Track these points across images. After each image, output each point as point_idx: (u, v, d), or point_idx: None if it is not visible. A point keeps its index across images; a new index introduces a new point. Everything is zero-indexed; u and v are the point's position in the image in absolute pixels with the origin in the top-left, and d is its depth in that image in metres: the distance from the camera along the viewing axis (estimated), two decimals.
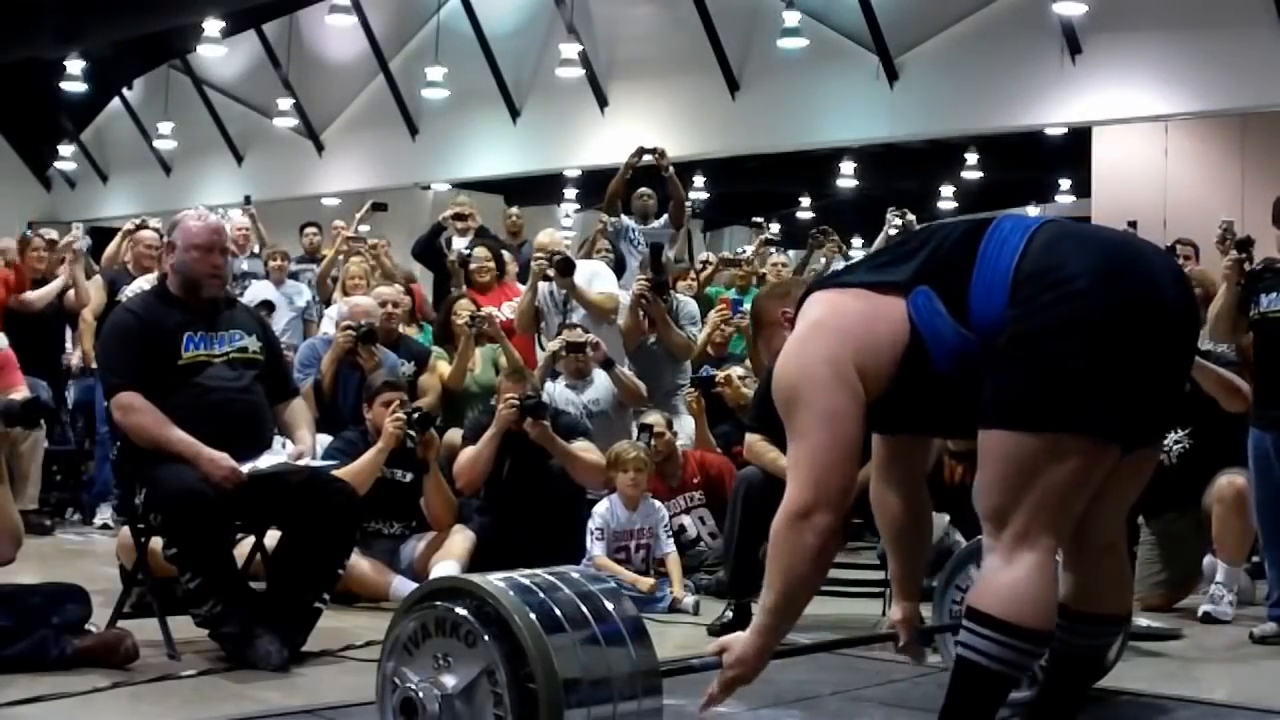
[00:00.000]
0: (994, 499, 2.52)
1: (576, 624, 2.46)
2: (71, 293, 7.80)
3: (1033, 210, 20.18)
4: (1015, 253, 2.53)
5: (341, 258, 8.50)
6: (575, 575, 2.63)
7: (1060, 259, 2.50)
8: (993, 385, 2.51)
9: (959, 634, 2.58)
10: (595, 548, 5.38)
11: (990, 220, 2.68)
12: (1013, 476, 2.49)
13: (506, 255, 7.95)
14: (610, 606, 2.54)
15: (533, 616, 2.40)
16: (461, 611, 2.44)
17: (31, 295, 7.72)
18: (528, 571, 2.61)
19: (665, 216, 8.20)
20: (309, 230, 10.09)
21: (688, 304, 7.20)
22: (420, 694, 2.43)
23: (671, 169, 7.89)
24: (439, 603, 2.50)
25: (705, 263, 9.27)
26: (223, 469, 3.92)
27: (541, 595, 2.48)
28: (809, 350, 2.65)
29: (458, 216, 8.33)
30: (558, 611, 2.45)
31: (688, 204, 8.46)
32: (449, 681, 2.43)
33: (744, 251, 9.22)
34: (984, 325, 2.53)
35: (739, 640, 2.71)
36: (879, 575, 5.11)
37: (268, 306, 7.50)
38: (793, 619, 2.68)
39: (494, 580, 2.51)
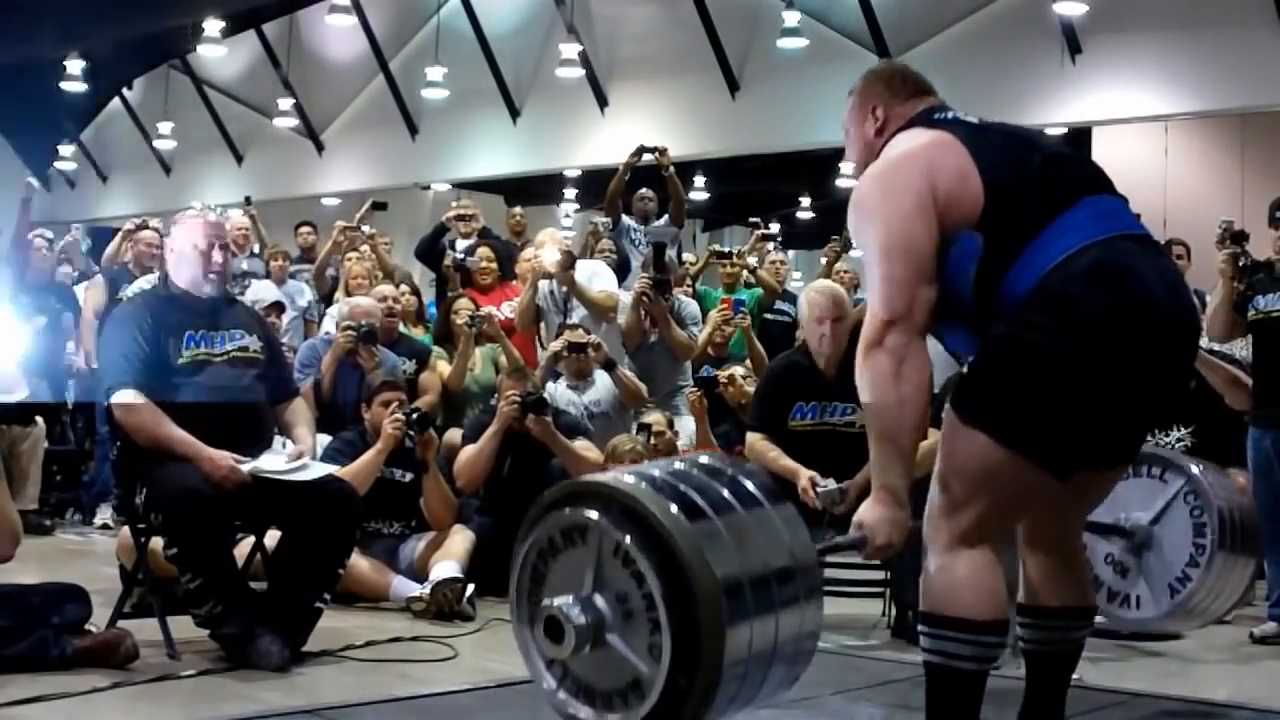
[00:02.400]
0: (951, 492, 2.54)
1: (720, 509, 2.25)
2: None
3: None
4: (1061, 254, 2.49)
5: (338, 254, 8.52)
6: (705, 460, 2.45)
7: (1082, 290, 2.46)
8: (977, 379, 2.54)
9: (920, 642, 2.57)
10: None
11: (1079, 190, 2.60)
12: (975, 475, 2.51)
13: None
14: (752, 487, 2.33)
15: (674, 508, 2.19)
16: (593, 515, 2.25)
17: None
18: (652, 464, 2.45)
19: (666, 216, 8.20)
20: (303, 230, 10.06)
21: (689, 305, 7.21)
22: (563, 610, 2.24)
23: (672, 168, 7.89)
24: (570, 509, 2.31)
25: (692, 263, 9.25)
26: (221, 468, 3.92)
27: (683, 488, 2.26)
28: (894, 175, 2.60)
29: (461, 218, 8.34)
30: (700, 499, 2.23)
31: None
32: (600, 600, 2.24)
33: (735, 247, 9.18)
34: (1005, 301, 2.51)
35: (868, 512, 2.57)
36: (879, 575, 5.11)
37: (278, 308, 7.51)
38: (905, 461, 2.52)
39: (626, 478, 2.32)
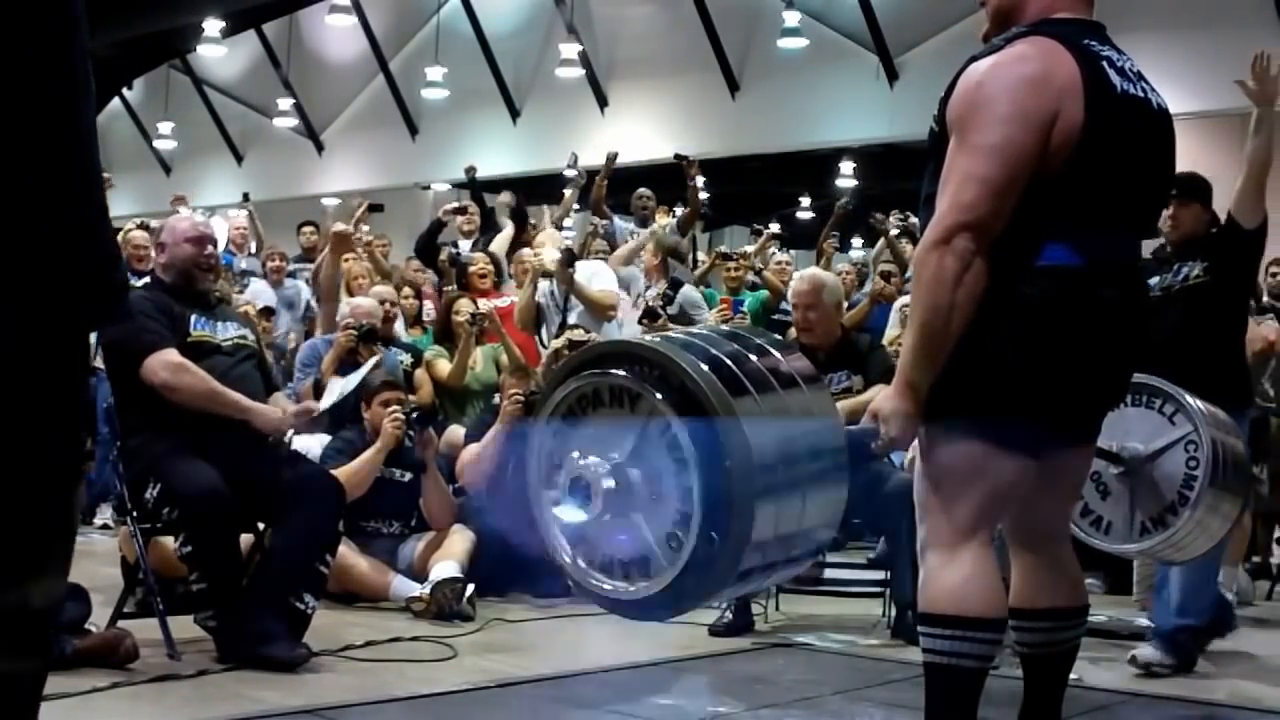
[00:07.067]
0: (945, 492, 2.54)
1: (761, 387, 2.24)
2: None
3: None
4: (1059, 262, 2.50)
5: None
6: (743, 332, 2.44)
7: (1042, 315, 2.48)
8: (944, 392, 2.50)
9: (920, 642, 2.57)
10: None
11: (1124, 222, 2.72)
12: (966, 472, 2.52)
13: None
14: (785, 360, 2.32)
15: (709, 371, 2.18)
16: (652, 391, 2.20)
17: None
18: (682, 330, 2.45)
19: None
20: (306, 229, 10.10)
21: (692, 294, 7.25)
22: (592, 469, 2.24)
23: (698, 179, 7.98)
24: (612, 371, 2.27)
25: (702, 261, 9.29)
26: (274, 420, 4.04)
27: (715, 353, 2.26)
28: (1038, 76, 2.50)
29: (458, 210, 8.37)
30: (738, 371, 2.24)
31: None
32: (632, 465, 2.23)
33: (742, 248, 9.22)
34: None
35: (886, 402, 2.49)
36: (879, 575, 5.12)
37: (267, 314, 7.54)
38: (936, 363, 2.44)
39: (654, 341, 2.33)
